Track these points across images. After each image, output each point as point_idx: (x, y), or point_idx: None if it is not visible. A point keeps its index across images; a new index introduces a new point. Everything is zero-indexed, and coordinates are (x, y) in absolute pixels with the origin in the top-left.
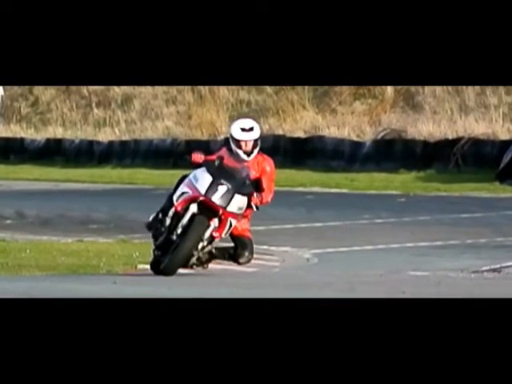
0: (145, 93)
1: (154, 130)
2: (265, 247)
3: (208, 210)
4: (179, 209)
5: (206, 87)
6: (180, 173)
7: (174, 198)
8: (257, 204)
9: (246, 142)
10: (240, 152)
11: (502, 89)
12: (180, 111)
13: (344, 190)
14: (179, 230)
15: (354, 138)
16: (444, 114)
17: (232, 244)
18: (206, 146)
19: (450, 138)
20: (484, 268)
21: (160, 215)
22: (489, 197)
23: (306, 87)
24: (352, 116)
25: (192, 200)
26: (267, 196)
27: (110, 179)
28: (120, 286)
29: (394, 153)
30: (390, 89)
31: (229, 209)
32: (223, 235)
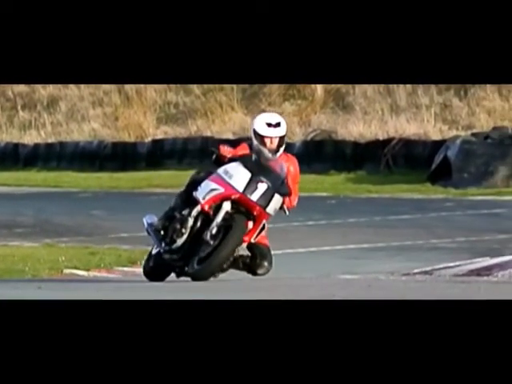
0: (71, 94)
1: (80, 133)
2: None
3: (243, 210)
4: (207, 208)
5: (133, 88)
6: (106, 176)
7: (199, 195)
8: (288, 207)
9: (271, 138)
10: (264, 150)
11: (433, 89)
12: (107, 113)
13: None
14: (214, 231)
15: None
16: (375, 114)
17: (246, 252)
18: (132, 149)
19: (381, 138)
20: (415, 270)
21: (178, 215)
22: (420, 198)
23: (235, 88)
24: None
25: (224, 198)
26: (294, 199)
27: (36, 182)
28: (45, 291)
29: (324, 154)
30: (319, 89)
31: (268, 210)
32: (252, 240)
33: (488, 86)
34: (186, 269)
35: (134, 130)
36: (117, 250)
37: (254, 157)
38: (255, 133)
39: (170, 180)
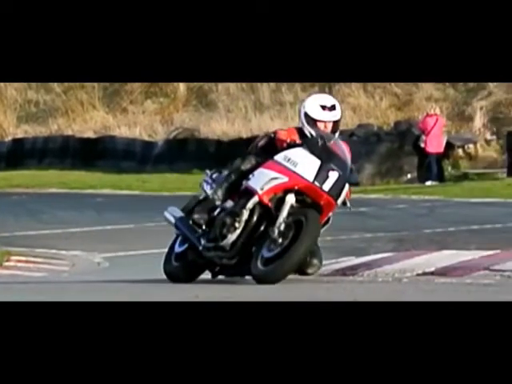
0: None
1: None
2: (54, 251)
3: (308, 201)
4: (266, 199)
5: None
6: None
7: (255, 185)
8: (348, 198)
9: (325, 123)
10: (328, 134)
11: (297, 86)
12: None
13: (136, 192)
14: (282, 227)
15: (146, 138)
16: (238, 112)
17: None
18: None
19: (245, 136)
20: None
21: (227, 207)
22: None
23: (96, 86)
24: (143, 115)
25: (288, 188)
26: (350, 190)
27: None
28: None
29: (186, 153)
30: (182, 87)
31: (339, 201)
32: None
33: (353, 82)
34: (241, 269)
35: None
36: None
37: (320, 142)
38: (307, 116)
39: (31, 179)
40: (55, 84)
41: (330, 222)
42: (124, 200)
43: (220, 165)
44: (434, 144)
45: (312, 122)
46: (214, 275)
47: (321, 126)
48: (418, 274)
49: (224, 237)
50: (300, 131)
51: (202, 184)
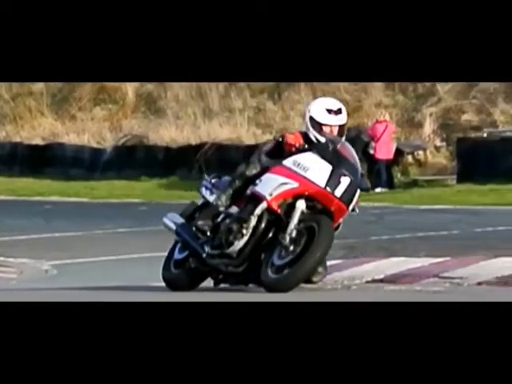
0: None
1: None
2: (1, 259)
3: (319, 207)
4: (275, 205)
5: None
6: None
7: (263, 191)
8: (356, 204)
9: (331, 127)
10: (323, 139)
11: (246, 92)
12: None
13: (84, 199)
14: (294, 234)
15: (94, 145)
16: (187, 118)
17: None
18: None
19: (194, 143)
20: None
21: (234, 213)
22: None
23: (45, 93)
24: (92, 122)
25: (298, 194)
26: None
27: None
28: None
29: (135, 159)
30: (131, 93)
31: (350, 207)
32: None
33: (302, 88)
34: (247, 276)
35: None
36: None
37: (330, 146)
38: (312, 120)
39: None
40: (3, 90)
41: (340, 228)
42: (72, 207)
43: (169, 172)
44: (384, 151)
45: (318, 126)
46: (217, 283)
47: (326, 130)
48: (368, 282)
49: (230, 244)
50: (305, 136)
51: (200, 189)
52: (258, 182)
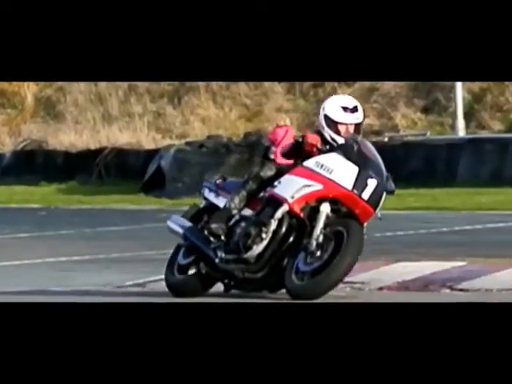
0: None
1: None
2: None
3: (344, 210)
4: (296, 208)
5: None
6: None
7: (284, 193)
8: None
9: (347, 125)
10: (338, 139)
11: (146, 97)
12: None
13: None
14: (320, 239)
15: None
16: (86, 123)
17: None
18: None
19: (93, 148)
20: (128, 283)
21: (259, 217)
22: (134, 209)
23: None
24: None
25: (322, 196)
26: None
27: None
28: None
29: (34, 164)
30: (30, 97)
31: (377, 211)
32: None
33: (202, 93)
34: (265, 283)
35: None
36: None
37: (355, 147)
38: (327, 118)
39: None
40: None
41: (365, 231)
42: None
43: (68, 177)
44: None
45: (333, 124)
46: (228, 289)
47: (342, 128)
48: None
49: (248, 248)
50: (320, 136)
51: (202, 191)
52: (276, 183)
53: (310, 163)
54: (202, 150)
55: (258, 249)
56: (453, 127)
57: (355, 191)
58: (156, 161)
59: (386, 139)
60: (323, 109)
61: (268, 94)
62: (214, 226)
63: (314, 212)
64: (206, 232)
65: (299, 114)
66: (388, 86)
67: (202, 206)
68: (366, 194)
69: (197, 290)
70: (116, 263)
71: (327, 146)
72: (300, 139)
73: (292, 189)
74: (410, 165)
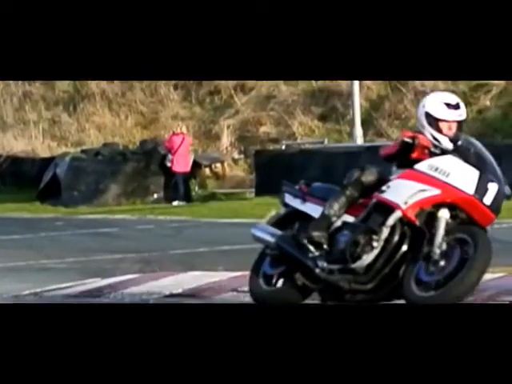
0: None
1: None
2: None
3: (463, 216)
4: (411, 215)
5: None
6: None
7: (396, 199)
8: None
9: (450, 123)
10: (441, 137)
11: (41, 104)
12: None
13: None
14: (444, 247)
15: None
16: None
17: None
18: None
19: None
20: (25, 292)
21: (368, 225)
22: (30, 217)
23: None
24: None
25: (440, 202)
26: None
27: None
28: None
29: None
30: None
31: (497, 217)
32: None
33: (98, 100)
34: (376, 295)
35: None
36: None
37: (472, 148)
38: (429, 116)
39: None
40: None
41: None
42: None
43: None
44: (181, 163)
45: (434, 122)
46: (326, 300)
47: (444, 126)
48: (166, 296)
49: (357, 258)
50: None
51: (282, 198)
52: (385, 188)
53: (422, 166)
54: (98, 158)
55: (368, 258)
56: (351, 135)
57: (477, 196)
58: (51, 169)
59: (284, 147)
60: (423, 106)
61: (164, 101)
62: (315, 234)
63: (430, 218)
64: (305, 241)
65: (195, 122)
66: (285, 93)
67: (282, 212)
68: (487, 199)
69: (288, 303)
70: (13, 272)
71: (436, 148)
72: (410, 141)
73: (405, 194)
74: (308, 173)
